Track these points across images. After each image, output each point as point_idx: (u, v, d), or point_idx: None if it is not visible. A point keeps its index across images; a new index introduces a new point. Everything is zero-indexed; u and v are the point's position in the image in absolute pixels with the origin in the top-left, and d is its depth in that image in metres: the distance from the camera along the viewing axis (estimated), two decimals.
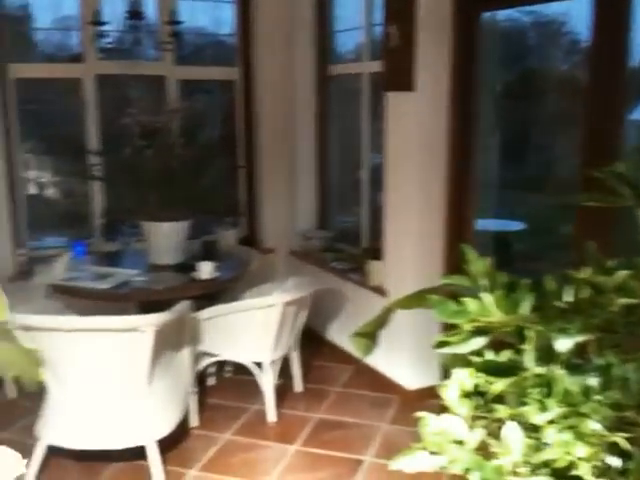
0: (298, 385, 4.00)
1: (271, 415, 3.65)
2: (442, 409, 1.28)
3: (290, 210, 4.98)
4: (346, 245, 4.75)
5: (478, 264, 1.19)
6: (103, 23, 3.73)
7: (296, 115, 4.83)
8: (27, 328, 2.72)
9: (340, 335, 4.53)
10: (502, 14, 3.99)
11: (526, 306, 1.11)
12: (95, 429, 2.97)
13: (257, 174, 4.98)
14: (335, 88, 4.83)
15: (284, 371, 3.88)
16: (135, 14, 3.58)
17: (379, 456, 3.31)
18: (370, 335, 2.01)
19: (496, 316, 1.09)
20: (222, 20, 5.20)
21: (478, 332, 1.08)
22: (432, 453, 1.13)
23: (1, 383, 3.82)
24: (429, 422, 1.13)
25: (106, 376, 2.93)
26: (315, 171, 4.94)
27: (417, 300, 2.08)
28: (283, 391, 3.90)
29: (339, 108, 4.88)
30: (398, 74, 3.61)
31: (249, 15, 4.78)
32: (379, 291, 3.96)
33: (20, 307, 2.75)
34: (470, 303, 1.09)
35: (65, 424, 2.98)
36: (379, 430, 3.57)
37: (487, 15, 3.55)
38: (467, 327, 1.09)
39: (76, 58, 4.72)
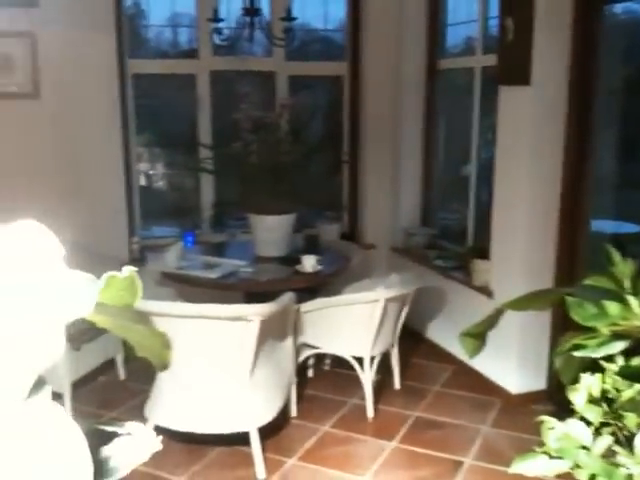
0: (397, 382, 3.98)
1: (369, 410, 3.65)
2: (552, 415, 1.23)
3: (393, 206, 4.95)
4: (450, 243, 4.67)
5: (622, 266, 1.13)
6: (220, 20, 3.84)
7: (403, 110, 4.80)
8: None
9: (440, 334, 4.47)
10: (620, 7, 3.80)
11: None
12: (200, 413, 3.07)
13: (361, 169, 4.99)
14: (444, 82, 4.75)
15: (383, 367, 3.87)
16: (251, 11, 3.66)
17: (479, 458, 3.24)
18: (479, 335, 1.96)
19: None
20: (328, 16, 5.23)
21: (617, 336, 1.03)
22: (554, 458, 1.09)
23: (113, 365, 4.01)
24: (553, 426, 1.08)
25: (212, 362, 3.01)
26: (420, 166, 4.88)
27: (530, 302, 2.01)
28: (382, 387, 3.89)
29: (447, 103, 4.80)
30: (513, 68, 3.51)
31: (359, 10, 4.79)
32: (484, 291, 3.87)
33: None
34: (611, 306, 1.04)
35: (172, 407, 3.09)
36: (479, 432, 3.50)
37: (605, 8, 3.39)
38: (605, 331, 1.04)
39: (188, 54, 4.89)
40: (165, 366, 1.13)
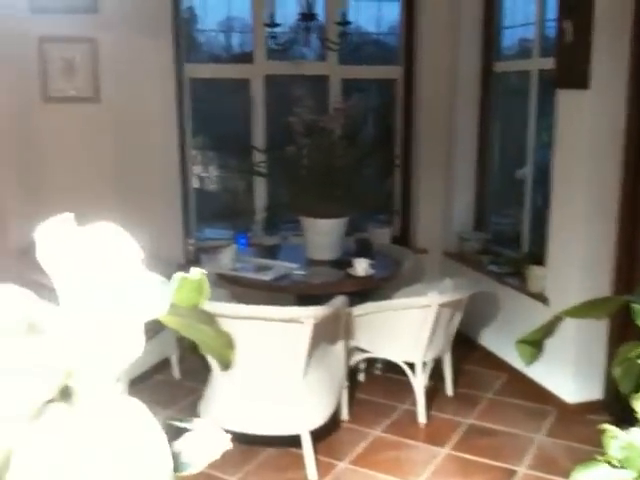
0: (449, 388, 3.94)
1: (421, 416, 3.63)
2: (611, 425, 1.21)
3: (445, 210, 4.91)
4: (504, 248, 4.61)
5: None
6: (276, 25, 3.89)
7: (457, 113, 4.76)
8: None
9: (494, 341, 4.41)
10: None
11: None
12: (254, 414, 3.10)
13: (413, 173, 4.96)
14: (499, 85, 4.70)
15: (435, 373, 3.84)
16: (308, 16, 3.69)
17: (534, 468, 3.19)
18: (536, 343, 1.94)
19: None
20: (380, 19, 5.23)
21: None
22: (616, 467, 1.07)
23: (168, 364, 4.09)
24: (616, 435, 1.06)
25: (266, 364, 3.04)
26: (474, 170, 4.83)
27: (589, 309, 1.97)
28: (433, 393, 3.86)
29: (502, 105, 4.74)
30: (571, 71, 3.45)
31: (414, 12, 4.77)
32: (539, 298, 3.81)
33: None
34: None
35: (226, 407, 3.14)
36: (534, 442, 3.44)
37: None
38: None
39: (242, 58, 4.95)
40: (228, 365, 1.15)
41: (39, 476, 0.53)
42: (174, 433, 0.80)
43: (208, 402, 3.19)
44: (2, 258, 3.73)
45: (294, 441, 3.13)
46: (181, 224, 4.63)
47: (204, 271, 0.82)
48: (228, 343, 1.15)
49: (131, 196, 4.36)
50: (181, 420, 0.82)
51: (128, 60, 4.29)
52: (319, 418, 3.15)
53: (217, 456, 0.77)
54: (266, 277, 3.66)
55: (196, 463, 0.76)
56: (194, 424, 0.80)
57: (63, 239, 0.65)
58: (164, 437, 0.61)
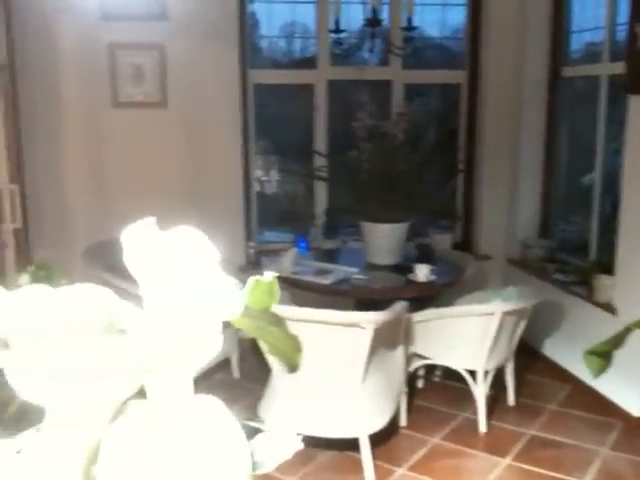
0: (511, 398, 3.87)
1: (482, 425, 3.57)
2: None
3: (509, 216, 4.83)
4: (570, 256, 4.50)
5: None
6: (341, 31, 3.91)
7: (523, 118, 4.67)
8: None
9: (558, 351, 4.30)
10: None
11: None
12: (313, 416, 3.11)
13: (476, 178, 4.90)
14: (567, 90, 4.59)
15: (497, 382, 3.77)
16: (373, 22, 3.70)
17: None
18: (605, 354, 1.89)
19: None
20: (443, 23, 5.19)
21: None
22: None
23: (228, 364, 4.15)
24: None
25: (326, 367, 3.05)
26: (539, 176, 4.74)
27: None
28: (495, 402, 3.80)
29: (570, 111, 4.63)
30: None
31: (479, 16, 4.72)
32: (607, 308, 3.70)
33: None
34: None
35: (285, 408, 3.16)
36: (598, 455, 3.34)
37: None
38: None
39: (303, 64, 4.99)
40: (295, 368, 1.16)
41: (124, 471, 0.55)
42: (248, 432, 0.81)
43: (268, 403, 3.23)
44: (70, 257, 3.86)
45: (352, 445, 3.13)
46: (243, 227, 4.69)
47: (276, 274, 0.84)
48: (296, 346, 1.17)
49: (195, 199, 4.45)
50: (253, 420, 0.84)
51: (195, 66, 4.39)
52: (378, 423, 3.14)
53: (289, 457, 0.78)
54: (326, 281, 3.67)
55: (268, 463, 0.77)
56: (266, 425, 0.81)
57: (146, 242, 0.68)
58: (244, 436, 0.62)
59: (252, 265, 4.52)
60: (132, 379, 0.62)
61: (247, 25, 4.65)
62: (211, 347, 0.68)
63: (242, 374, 4.17)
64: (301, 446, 0.78)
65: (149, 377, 0.63)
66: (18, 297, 0.70)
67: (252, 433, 0.80)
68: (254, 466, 0.76)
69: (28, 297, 0.71)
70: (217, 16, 4.35)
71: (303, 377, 3.08)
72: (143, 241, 0.67)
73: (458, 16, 4.97)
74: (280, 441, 0.81)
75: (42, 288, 0.74)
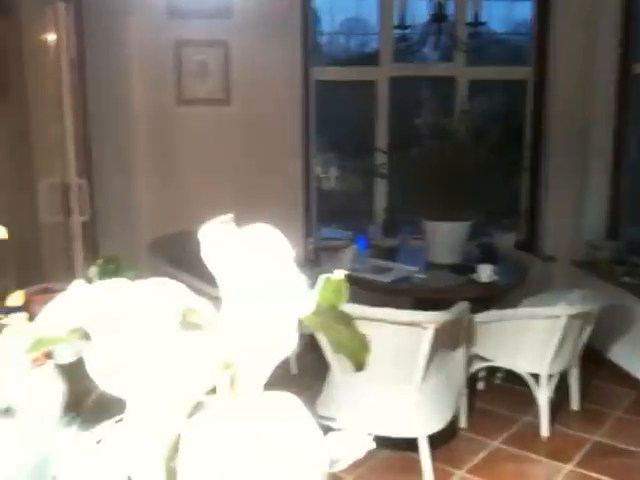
0: (575, 403, 3.77)
1: (544, 430, 3.49)
2: None
3: (575, 216, 4.69)
4: (639, 258, 4.34)
5: None
6: (407, 27, 3.87)
7: (592, 116, 4.53)
8: None
9: (625, 356, 4.16)
10: None
11: None
12: (371, 415, 3.10)
13: (542, 176, 4.78)
14: (638, 88, 4.44)
15: (560, 387, 3.67)
16: (439, 17, 3.65)
17: None
18: None
19: None
20: (508, 17, 5.08)
21: None
22: None
23: (286, 360, 4.16)
24: None
25: (385, 366, 3.03)
26: (609, 176, 4.59)
27: None
28: (557, 407, 3.69)
29: None
30: None
31: (548, 11, 4.60)
32: None
33: None
34: None
35: (344, 405, 3.15)
36: None
37: None
38: None
39: (364, 60, 4.96)
40: (362, 367, 1.15)
41: (203, 465, 0.55)
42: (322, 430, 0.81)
43: (326, 400, 3.22)
44: (136, 250, 3.95)
45: (411, 445, 3.10)
46: (302, 223, 4.70)
47: (345, 272, 0.83)
48: (364, 345, 1.15)
49: (256, 195, 4.48)
50: (325, 418, 0.83)
51: (258, 63, 4.42)
52: (437, 424, 3.10)
53: (361, 455, 0.77)
54: (386, 279, 3.65)
55: (341, 461, 0.76)
56: (337, 423, 0.81)
57: (224, 239, 0.68)
58: (320, 432, 0.62)
59: (311, 262, 4.53)
60: (210, 374, 0.62)
61: (310, 22, 4.65)
62: (287, 344, 0.68)
63: (300, 370, 4.17)
64: (373, 445, 0.77)
65: (227, 372, 0.63)
66: (97, 290, 0.71)
67: (326, 431, 0.80)
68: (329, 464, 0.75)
69: (107, 290, 0.72)
70: (281, 13, 4.37)
71: (362, 375, 3.06)
72: (220, 238, 0.67)
73: (524, 11, 4.85)
74: (352, 440, 0.80)
75: (119, 281, 0.75)
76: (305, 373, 4.07)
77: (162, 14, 4.34)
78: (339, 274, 0.82)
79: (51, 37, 3.53)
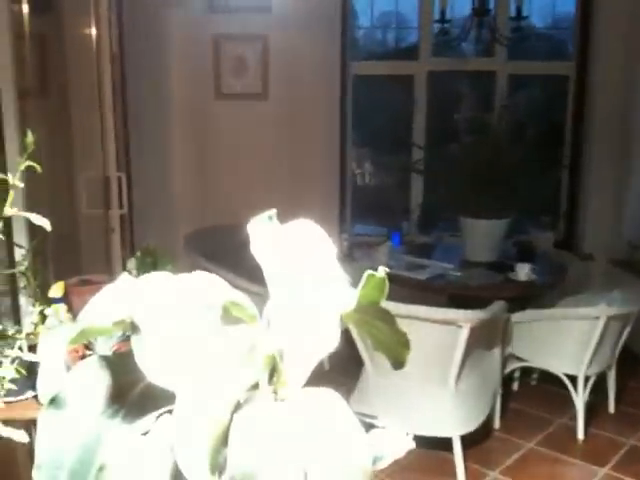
0: (611, 405, 3.70)
1: (580, 432, 3.43)
2: None
3: (616, 215, 4.60)
4: None
5: None
6: (447, 21, 3.83)
7: (635, 114, 4.43)
8: None
9: None
10: None
11: None
12: (405, 413, 3.08)
13: (582, 174, 4.70)
14: None
15: (597, 388, 3.61)
16: (481, 11, 3.61)
17: None
18: None
19: None
20: (549, 11, 4.99)
21: None
22: None
23: None
24: None
25: (419, 364, 3.01)
26: None
27: None
28: (594, 409, 3.63)
29: None
30: None
31: (591, 5, 4.51)
32: None
33: None
34: None
35: (377, 403, 3.14)
36: None
37: None
38: None
39: (402, 54, 4.92)
40: (402, 365, 1.14)
41: (250, 458, 0.55)
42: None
43: (360, 396, 3.22)
44: (173, 243, 3.99)
45: (444, 444, 3.07)
46: (337, 219, 4.70)
47: (387, 270, 0.82)
48: (404, 343, 1.14)
49: (293, 189, 4.49)
50: (367, 416, 0.83)
51: (296, 57, 4.42)
52: (471, 424, 3.07)
53: (401, 455, 0.77)
54: (421, 276, 3.62)
55: (382, 459, 0.76)
56: (379, 421, 0.80)
57: (270, 234, 0.68)
58: (362, 429, 0.61)
59: (345, 257, 4.52)
60: (254, 368, 0.62)
61: (348, 16, 4.63)
62: (330, 340, 0.67)
63: (332, 366, 4.17)
64: (413, 445, 0.76)
65: (272, 366, 0.63)
66: (144, 283, 0.72)
67: (367, 429, 0.79)
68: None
69: (153, 283, 0.72)
70: (320, 8, 4.36)
71: (396, 373, 3.04)
72: (267, 233, 0.67)
73: (567, 5, 4.77)
74: (393, 438, 0.79)
75: (163, 275, 0.75)
76: (338, 369, 4.06)
77: (202, 8, 4.37)
78: (381, 271, 0.82)
79: (92, 32, 3.58)
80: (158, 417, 0.62)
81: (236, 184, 4.46)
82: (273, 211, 0.70)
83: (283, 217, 0.79)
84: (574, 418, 3.46)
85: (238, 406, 0.59)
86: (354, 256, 4.39)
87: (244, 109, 4.53)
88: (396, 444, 0.79)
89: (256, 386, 0.64)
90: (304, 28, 4.32)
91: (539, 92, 5.33)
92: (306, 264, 0.69)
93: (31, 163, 1.25)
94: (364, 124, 5.19)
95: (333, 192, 4.65)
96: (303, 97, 4.48)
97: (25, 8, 2.98)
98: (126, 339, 0.70)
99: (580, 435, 3.43)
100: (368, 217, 5.34)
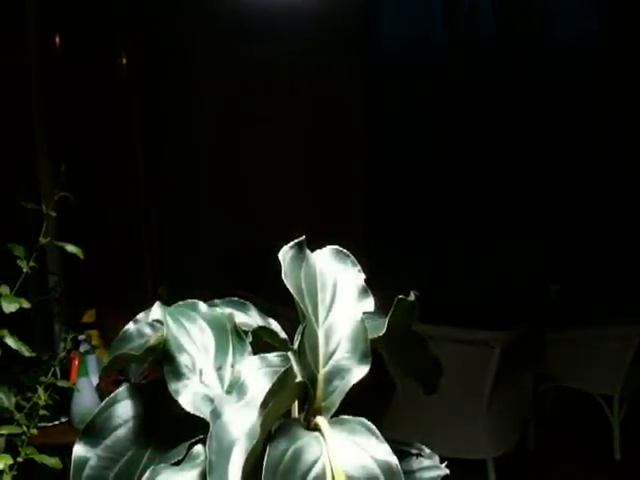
0: None
1: (616, 452, 3.36)
2: None
3: None
4: None
5: None
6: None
7: None
8: None
9: None
10: None
11: None
12: (436, 434, 3.04)
13: None
14: None
15: (632, 408, 3.53)
16: None
17: None
18: None
19: None
20: None
21: None
22: None
23: None
24: None
25: (450, 385, 2.97)
26: None
27: None
28: (630, 428, 3.55)
29: None
30: None
31: None
32: None
33: None
34: None
35: (409, 425, 3.11)
36: None
37: None
38: None
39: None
40: (433, 390, 1.13)
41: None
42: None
43: (392, 419, 3.18)
44: (202, 269, 4.01)
45: (476, 466, 3.02)
46: (363, 240, 4.69)
47: (417, 293, 0.82)
48: (436, 367, 1.13)
49: (319, 212, 4.49)
50: (403, 443, 0.82)
51: (322, 81, 4.44)
52: (504, 445, 3.02)
53: None
54: None
55: None
56: (414, 447, 0.80)
57: (299, 261, 0.69)
58: (395, 458, 0.61)
59: (368, 280, 4.50)
60: (287, 394, 0.62)
61: (374, 38, 4.68)
62: (362, 366, 0.68)
63: (363, 390, 4.14)
64: (446, 472, 0.76)
65: (303, 393, 0.64)
66: (175, 309, 0.73)
67: (401, 455, 0.79)
68: None
69: (183, 309, 0.73)
70: (344, 30, 4.39)
71: (429, 396, 3.01)
72: (296, 260, 0.68)
73: None
74: (427, 465, 0.79)
75: (194, 302, 0.76)
76: (369, 394, 4.04)
77: (230, 36, 4.40)
78: (412, 295, 0.82)
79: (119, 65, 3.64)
80: (190, 446, 0.63)
81: (265, 211, 4.45)
82: (302, 238, 0.71)
83: (313, 241, 0.79)
84: (610, 439, 3.38)
85: (271, 435, 0.59)
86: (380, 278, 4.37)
87: (271, 134, 4.54)
88: (430, 471, 0.78)
89: (287, 414, 0.64)
90: (330, 52, 4.35)
91: None
92: (336, 290, 0.70)
93: (64, 193, 1.28)
94: None
95: (358, 208, 4.65)
96: (330, 123, 4.49)
97: None
98: (157, 364, 0.71)
99: (617, 456, 3.36)
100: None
